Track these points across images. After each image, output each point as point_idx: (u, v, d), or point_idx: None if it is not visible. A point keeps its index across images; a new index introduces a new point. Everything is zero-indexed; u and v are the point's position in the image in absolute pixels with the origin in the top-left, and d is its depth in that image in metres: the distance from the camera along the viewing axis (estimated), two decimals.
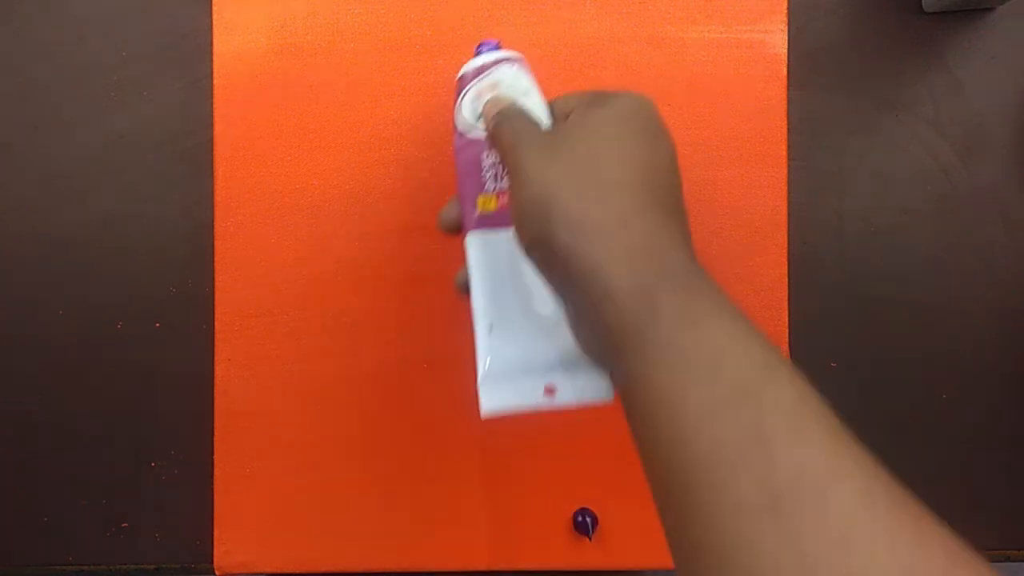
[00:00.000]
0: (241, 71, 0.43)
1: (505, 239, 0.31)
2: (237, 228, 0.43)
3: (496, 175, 0.32)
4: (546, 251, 0.27)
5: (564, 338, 0.29)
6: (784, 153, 0.43)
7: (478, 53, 0.34)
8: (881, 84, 0.44)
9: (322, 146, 0.43)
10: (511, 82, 0.33)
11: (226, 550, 0.43)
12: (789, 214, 0.43)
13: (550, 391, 0.29)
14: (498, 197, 0.32)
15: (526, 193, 0.27)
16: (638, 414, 0.25)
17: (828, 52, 0.44)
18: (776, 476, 0.21)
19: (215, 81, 0.43)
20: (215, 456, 0.43)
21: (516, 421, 0.42)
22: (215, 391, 0.43)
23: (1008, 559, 0.43)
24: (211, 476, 0.43)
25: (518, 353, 0.30)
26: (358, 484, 0.43)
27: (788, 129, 0.43)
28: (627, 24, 0.43)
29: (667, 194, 0.29)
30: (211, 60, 0.43)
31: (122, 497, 0.44)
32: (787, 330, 0.42)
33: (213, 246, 0.43)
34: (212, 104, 0.43)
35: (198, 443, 0.43)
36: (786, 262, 0.43)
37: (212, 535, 0.43)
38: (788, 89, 0.43)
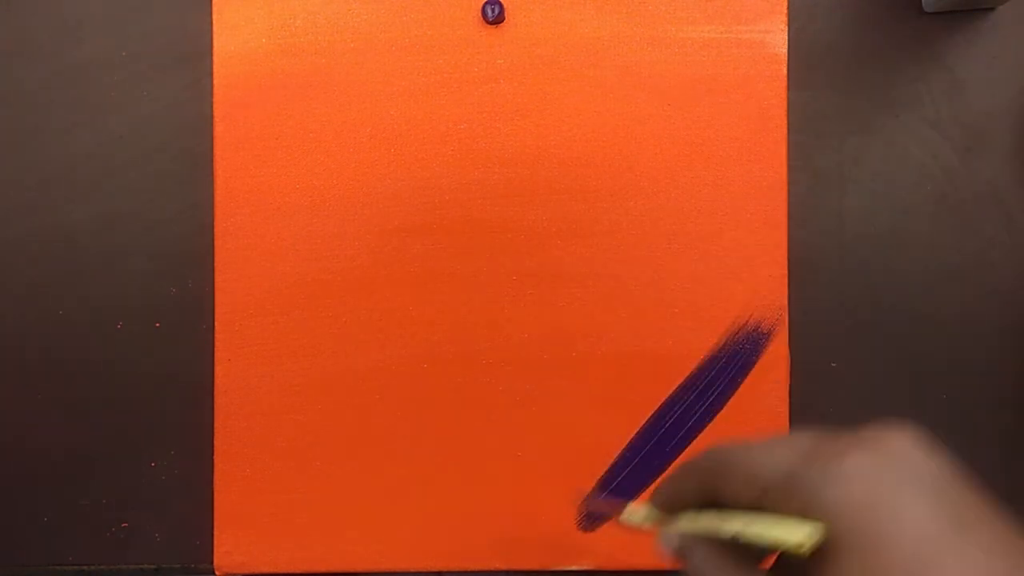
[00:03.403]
0: (241, 71, 0.43)
1: None
2: (237, 228, 0.43)
3: None
4: None
5: None
6: (784, 153, 0.43)
7: None
8: (881, 84, 0.44)
9: (322, 146, 0.43)
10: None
11: (226, 550, 0.43)
12: (789, 214, 0.43)
13: None
14: None
15: None
16: None
17: (828, 52, 0.44)
18: None
19: (215, 81, 0.43)
20: (215, 456, 0.43)
21: (515, 423, 0.42)
22: (215, 391, 0.43)
23: None
24: (211, 476, 0.43)
25: None
26: (358, 484, 0.43)
27: (788, 129, 0.43)
28: (627, 24, 0.43)
29: None
30: (211, 60, 0.43)
31: (122, 497, 0.44)
32: (787, 330, 0.42)
33: (213, 246, 0.43)
34: (212, 104, 0.43)
35: (198, 443, 0.43)
36: (786, 262, 0.43)
37: (212, 535, 0.43)
38: (788, 89, 0.43)
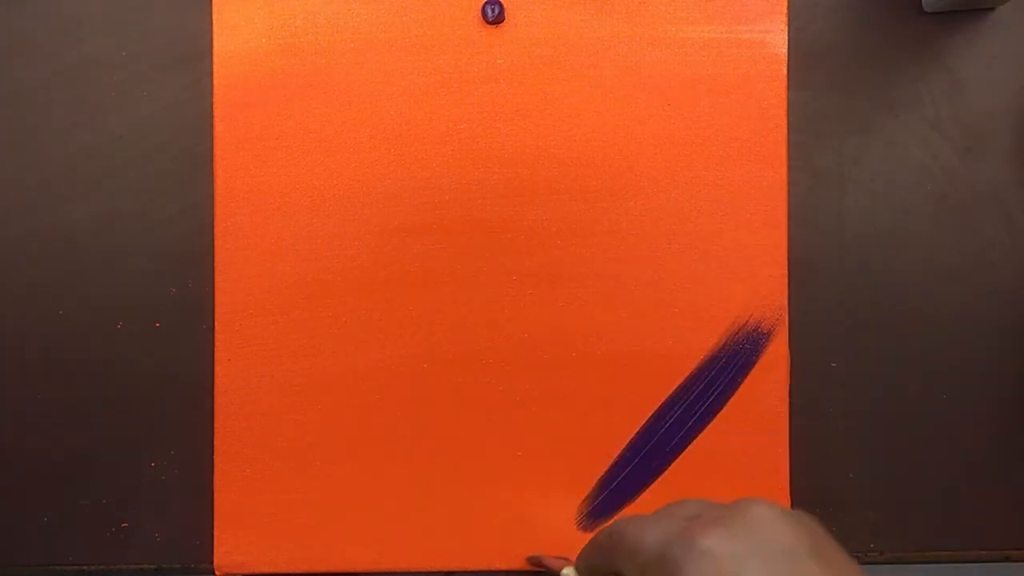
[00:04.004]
0: (241, 71, 0.43)
1: None
2: (237, 228, 0.43)
3: None
4: None
5: None
6: (784, 153, 0.43)
7: None
8: (881, 84, 0.44)
9: (322, 146, 0.43)
10: None
11: (226, 550, 0.43)
12: (789, 214, 0.43)
13: None
14: None
15: None
16: None
17: (828, 52, 0.44)
18: None
19: (215, 81, 0.43)
20: (215, 456, 0.43)
21: (515, 423, 0.42)
22: (215, 391, 0.43)
23: (1008, 559, 0.43)
24: (211, 476, 0.43)
25: None
26: (358, 484, 0.43)
27: (788, 129, 0.43)
28: (627, 24, 0.43)
29: None
30: (211, 60, 0.43)
31: (122, 497, 0.44)
32: (787, 330, 0.42)
33: (213, 246, 0.43)
34: (212, 104, 0.43)
35: (198, 443, 0.43)
36: (786, 262, 0.43)
37: (212, 535, 0.43)
38: (788, 89, 0.43)
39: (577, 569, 0.33)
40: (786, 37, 0.43)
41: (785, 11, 0.43)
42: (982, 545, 0.43)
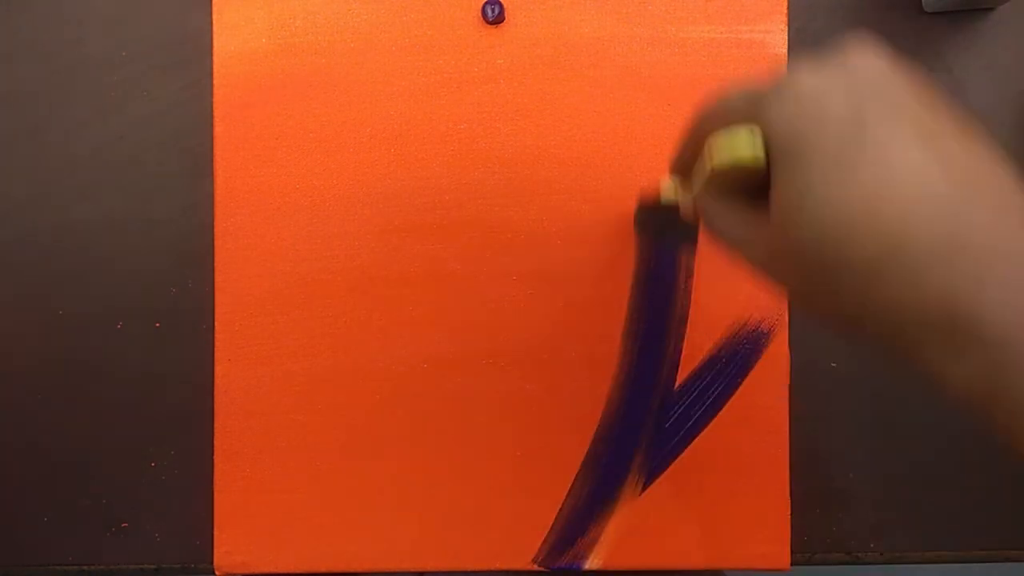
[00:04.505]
0: (241, 71, 0.43)
1: None
2: (237, 228, 0.43)
3: None
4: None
5: None
6: None
7: None
8: None
9: (322, 146, 0.43)
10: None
11: (226, 550, 0.43)
12: None
13: None
14: None
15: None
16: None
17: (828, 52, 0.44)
18: None
19: (215, 81, 0.43)
20: (215, 456, 0.43)
21: (515, 423, 0.42)
22: (215, 391, 0.43)
23: (1008, 559, 0.43)
24: (211, 476, 0.43)
25: None
26: (358, 484, 0.43)
27: None
28: (627, 24, 0.43)
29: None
30: (211, 60, 0.43)
31: (122, 497, 0.44)
32: (787, 330, 0.42)
33: (213, 246, 0.43)
34: (212, 104, 0.43)
35: (198, 443, 0.43)
36: None
37: (212, 535, 0.43)
38: None
39: (672, 169, 0.30)
40: (786, 37, 0.43)
41: (785, 11, 0.43)
42: (982, 545, 0.43)
